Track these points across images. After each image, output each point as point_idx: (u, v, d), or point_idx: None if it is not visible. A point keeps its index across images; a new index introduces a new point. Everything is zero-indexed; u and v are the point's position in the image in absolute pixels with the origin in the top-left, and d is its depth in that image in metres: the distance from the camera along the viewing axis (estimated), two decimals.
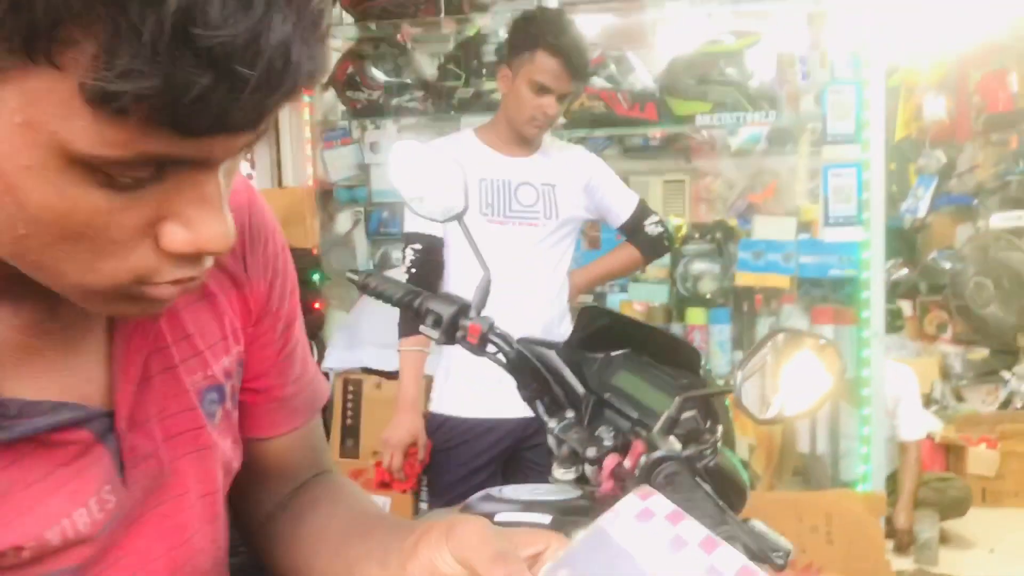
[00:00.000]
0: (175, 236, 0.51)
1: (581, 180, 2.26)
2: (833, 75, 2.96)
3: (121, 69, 0.42)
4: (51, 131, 0.45)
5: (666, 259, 3.15)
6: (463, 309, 1.29)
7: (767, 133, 3.76)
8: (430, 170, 1.35)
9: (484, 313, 1.30)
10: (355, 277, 1.42)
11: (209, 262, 0.56)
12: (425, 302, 1.31)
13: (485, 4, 3.13)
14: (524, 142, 2.22)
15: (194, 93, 0.44)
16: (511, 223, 2.17)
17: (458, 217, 1.34)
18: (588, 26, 3.57)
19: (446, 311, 1.28)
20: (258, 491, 0.85)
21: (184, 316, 0.70)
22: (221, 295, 0.73)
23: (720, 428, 1.11)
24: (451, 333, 1.29)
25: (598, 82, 3.04)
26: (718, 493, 0.98)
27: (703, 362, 1.21)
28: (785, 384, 1.01)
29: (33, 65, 0.43)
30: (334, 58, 3.37)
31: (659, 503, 0.55)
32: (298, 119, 3.33)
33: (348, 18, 3.31)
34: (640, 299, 3.34)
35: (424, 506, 2.22)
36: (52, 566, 0.61)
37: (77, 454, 0.62)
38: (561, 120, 3.11)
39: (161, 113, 0.44)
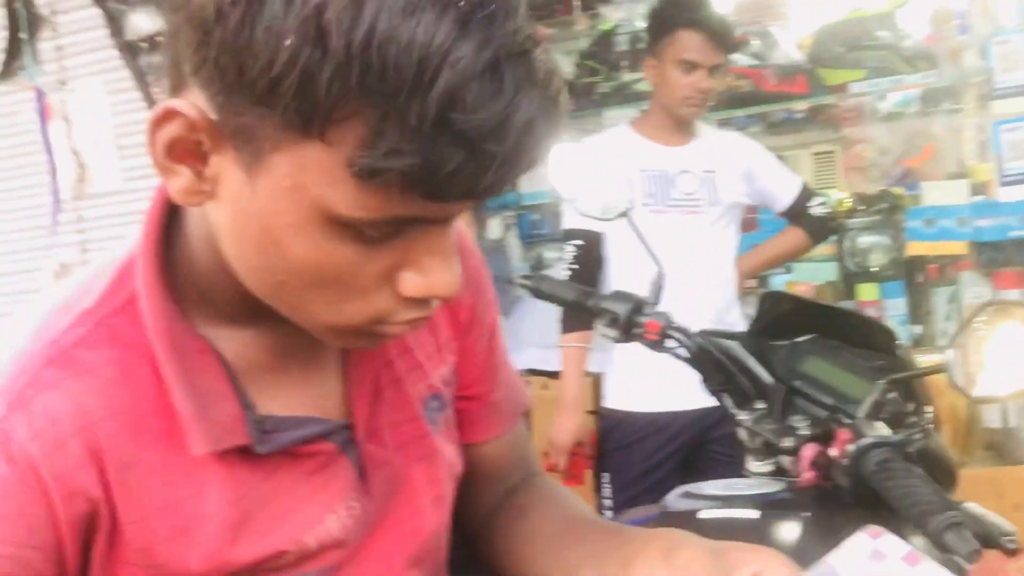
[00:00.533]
0: (412, 283, 0.57)
1: (740, 166, 2.21)
2: (997, 24, 2.78)
3: (387, 148, 0.48)
4: (316, 195, 0.51)
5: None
6: (638, 306, 1.27)
7: (920, 94, 3.56)
8: (591, 168, 1.35)
9: (659, 309, 1.28)
10: (526, 283, 1.43)
11: (437, 303, 0.61)
12: (599, 302, 1.30)
13: None
14: (680, 129, 2.19)
15: (449, 169, 0.49)
16: (673, 212, 2.14)
17: (624, 215, 1.33)
18: (723, 4, 3.50)
19: (622, 309, 1.27)
20: (474, 494, 0.88)
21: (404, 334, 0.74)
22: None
23: (930, 409, 1.06)
24: (629, 331, 1.28)
25: (743, 60, 2.97)
26: (929, 476, 0.93)
27: (898, 341, 1.15)
28: (994, 359, 0.95)
29: (306, 139, 0.49)
30: None
31: (892, 543, 0.52)
32: None
33: None
34: (805, 279, 3.22)
35: (607, 502, 2.21)
36: (309, 567, 0.67)
37: (323, 464, 0.68)
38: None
39: (417, 184, 0.50)
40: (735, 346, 1.29)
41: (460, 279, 0.58)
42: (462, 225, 0.81)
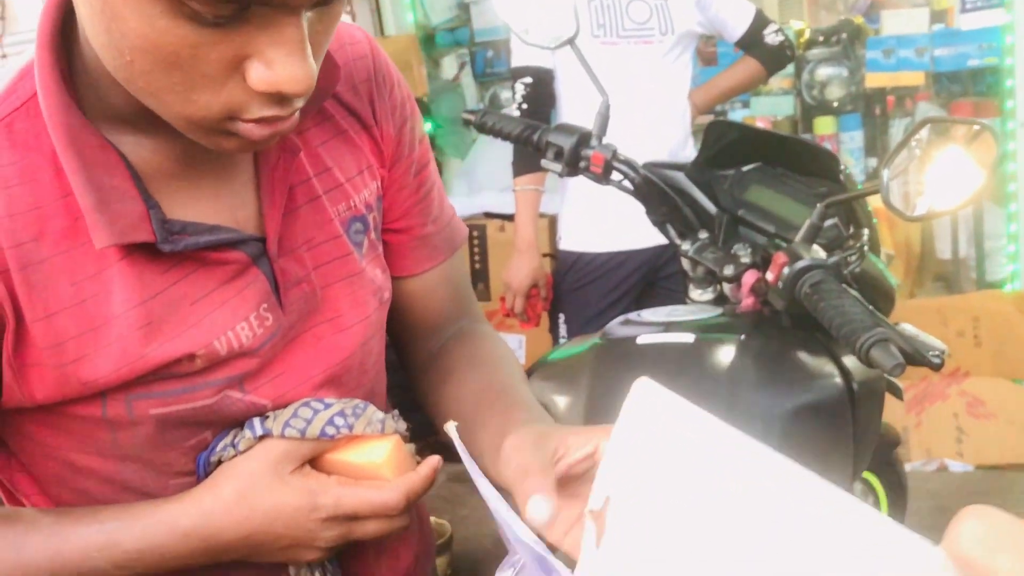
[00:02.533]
0: (257, 74, 0.53)
1: None
2: None
3: None
4: None
5: (789, 68, 2.99)
6: (584, 138, 1.25)
7: None
8: None
9: (605, 141, 1.26)
10: (470, 117, 1.40)
11: (298, 104, 0.57)
12: (544, 135, 1.28)
13: None
14: None
15: None
16: (625, 43, 2.08)
17: (570, 42, 1.28)
18: None
19: (567, 142, 1.25)
20: (411, 336, 0.88)
21: (321, 152, 0.74)
22: (353, 135, 0.76)
23: (866, 232, 1.07)
24: (574, 164, 1.26)
25: None
26: (866, 299, 0.95)
27: (841, 167, 1.15)
28: (933, 179, 0.95)
29: None
30: None
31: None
32: None
33: None
34: (764, 114, 3.19)
35: (563, 342, 2.25)
36: (219, 375, 0.67)
37: (235, 274, 0.67)
38: None
39: None
40: (680, 177, 1.28)
41: (311, 77, 0.54)
42: (386, 55, 0.80)
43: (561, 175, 1.29)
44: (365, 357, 0.78)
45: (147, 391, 0.65)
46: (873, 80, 2.98)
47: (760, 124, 3.17)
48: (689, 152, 2.15)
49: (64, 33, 0.62)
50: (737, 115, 3.15)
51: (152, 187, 0.65)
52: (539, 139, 1.29)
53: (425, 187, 0.84)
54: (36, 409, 0.65)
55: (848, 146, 3.05)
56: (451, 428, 0.68)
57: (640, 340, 1.07)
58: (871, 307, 0.91)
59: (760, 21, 2.21)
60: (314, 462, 0.70)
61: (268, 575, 0.74)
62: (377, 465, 0.70)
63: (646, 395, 0.47)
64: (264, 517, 0.67)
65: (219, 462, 0.70)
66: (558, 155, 1.27)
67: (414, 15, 3.29)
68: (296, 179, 0.71)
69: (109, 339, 0.63)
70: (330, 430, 0.68)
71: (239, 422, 0.70)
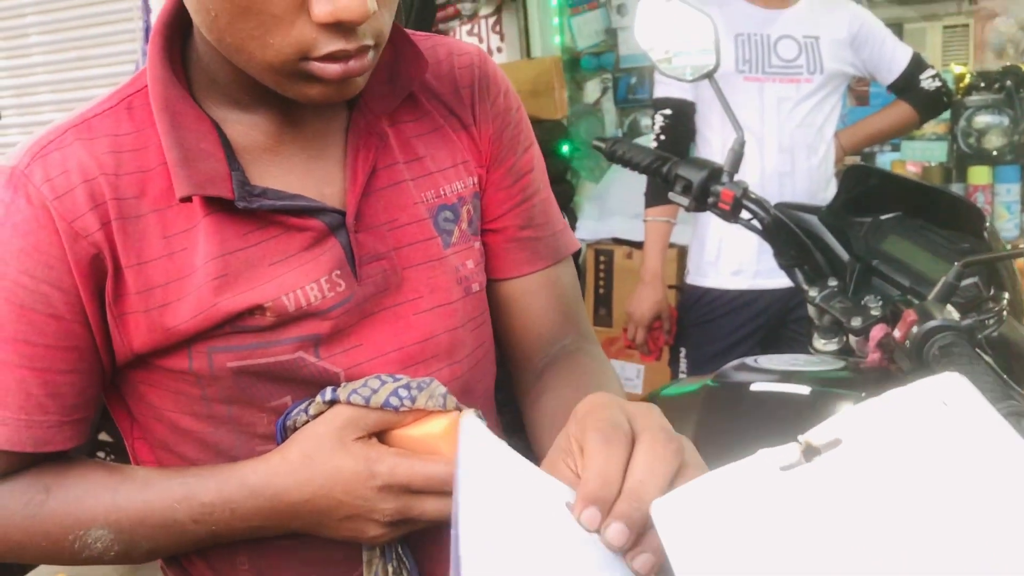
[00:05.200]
0: (318, 7, 0.60)
1: (847, 32, 2.07)
2: None
3: None
4: None
5: (945, 113, 2.85)
6: (715, 174, 1.23)
7: None
8: (678, 27, 1.28)
9: (742, 178, 1.23)
10: (602, 144, 1.39)
11: (365, 40, 0.63)
12: (674, 168, 1.26)
13: None
14: None
15: None
16: (770, 80, 2.03)
17: (709, 75, 1.26)
18: None
19: (696, 176, 1.23)
20: (516, 350, 0.89)
21: (415, 142, 0.80)
22: (451, 132, 0.82)
23: (1006, 296, 1.00)
24: (703, 200, 1.24)
25: None
26: (1003, 367, 0.89)
27: (986, 223, 1.09)
28: None
29: None
30: None
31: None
32: None
33: None
34: (914, 159, 3.05)
35: (683, 376, 2.21)
36: (291, 333, 0.72)
37: (312, 241, 0.73)
38: None
39: None
40: (813, 220, 1.24)
41: (365, 5, 0.60)
42: (497, 68, 0.85)
43: (688, 209, 1.27)
44: (453, 346, 0.80)
45: (225, 343, 0.71)
46: None
47: (911, 169, 3.04)
48: (830, 194, 2.08)
49: (178, 30, 0.73)
50: (886, 158, 3.03)
51: (244, 158, 0.72)
52: (668, 171, 1.27)
53: (525, 193, 0.87)
54: (138, 364, 0.73)
55: (1004, 199, 2.88)
56: (470, 415, 0.68)
57: (754, 387, 1.04)
58: (1005, 376, 0.85)
59: (917, 65, 2.12)
60: (381, 436, 0.73)
61: (343, 571, 0.77)
62: (435, 437, 0.71)
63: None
64: (324, 480, 0.70)
65: (294, 428, 0.74)
66: (687, 189, 1.25)
67: (561, 38, 3.31)
68: (383, 162, 0.77)
69: (189, 288, 0.70)
70: (394, 401, 0.71)
71: (315, 387, 0.74)
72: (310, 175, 0.75)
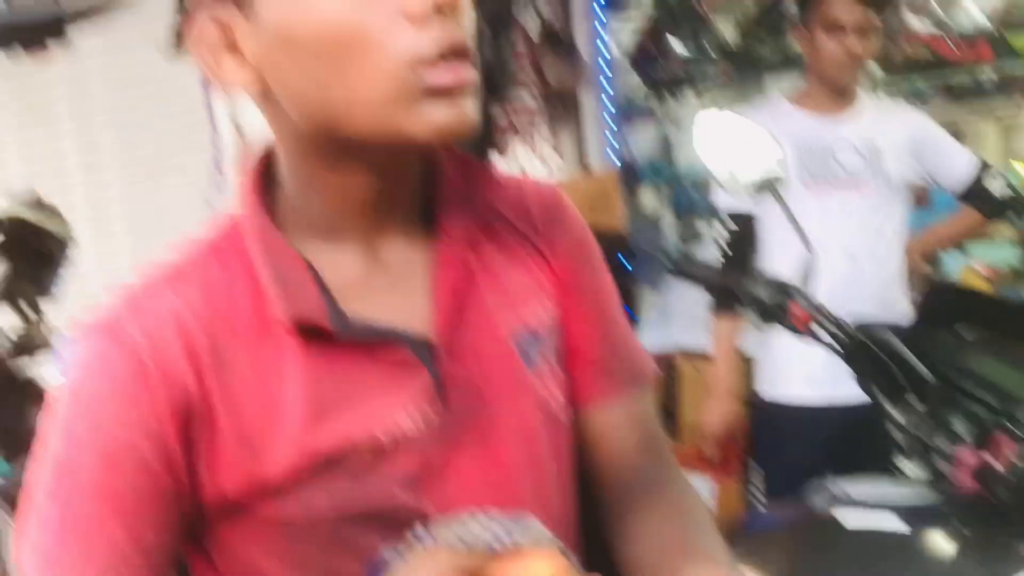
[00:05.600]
0: (410, 3, 0.62)
1: (907, 139, 2.05)
2: None
3: None
4: None
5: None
6: (786, 291, 1.20)
7: None
8: (738, 140, 1.27)
9: (812, 292, 1.20)
10: (667, 261, 1.38)
11: (466, 24, 0.65)
12: (744, 285, 1.24)
13: None
14: (838, 100, 2.05)
15: None
16: (833, 189, 2.01)
17: (772, 189, 1.25)
18: None
19: (767, 294, 1.20)
20: (603, 488, 0.86)
21: (497, 271, 0.80)
22: (528, 258, 0.83)
23: None
24: (774, 318, 1.21)
25: (921, 26, 2.76)
26: None
27: None
28: None
29: None
30: (632, 35, 3.34)
31: None
32: (599, 100, 3.33)
33: None
34: (983, 262, 2.98)
35: (758, 495, 2.12)
36: (384, 471, 0.71)
37: (401, 368, 0.73)
38: (881, 73, 2.87)
39: None
40: (893, 339, 1.19)
41: None
42: (570, 203, 0.87)
43: (760, 328, 1.24)
44: (539, 477, 0.79)
45: (320, 485, 0.70)
46: None
47: (978, 269, 2.96)
48: (903, 307, 2.02)
49: (266, 174, 0.76)
50: (953, 262, 2.96)
51: (334, 291, 0.73)
52: (739, 288, 1.25)
53: (603, 322, 0.87)
54: (228, 513, 0.71)
55: None
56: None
57: (848, 525, 0.98)
58: None
59: (983, 171, 2.09)
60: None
61: None
62: None
63: None
64: None
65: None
66: (757, 306, 1.22)
67: (618, 150, 3.35)
68: (467, 291, 0.77)
69: (283, 428, 0.70)
70: (492, 540, 0.68)
71: (407, 529, 0.70)
72: (397, 306, 0.75)
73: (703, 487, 2.77)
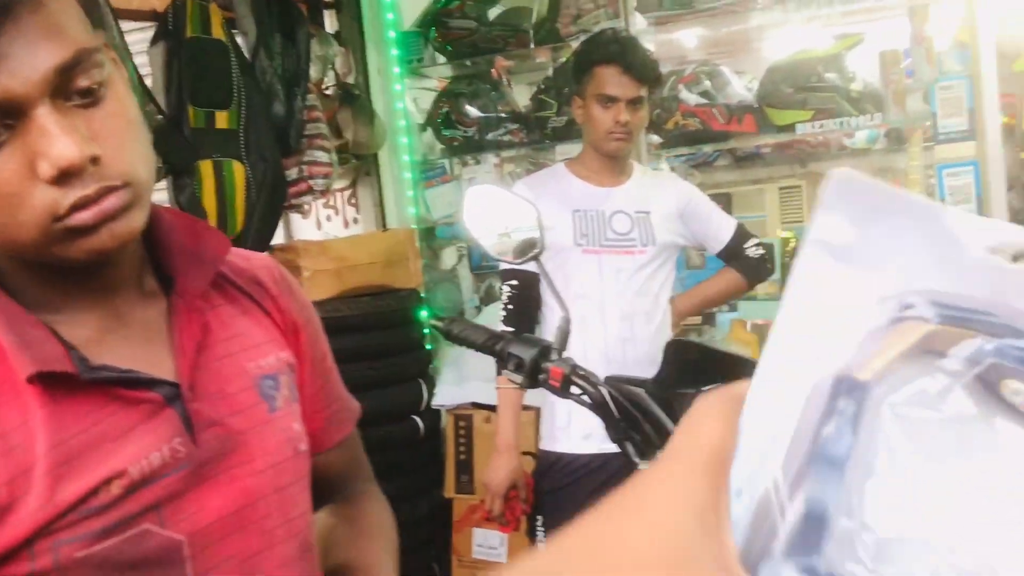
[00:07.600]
0: (41, 166, 0.65)
1: (675, 207, 2.22)
2: (941, 70, 2.81)
3: None
4: None
5: (778, 273, 3.04)
6: (544, 352, 1.27)
7: (885, 131, 3.59)
8: (503, 213, 1.34)
9: (586, 345, 1.28)
10: (439, 324, 1.42)
11: (107, 181, 0.68)
12: (506, 346, 1.30)
13: (579, 31, 3.10)
14: (613, 169, 2.20)
15: None
16: (607, 252, 2.14)
17: (534, 258, 1.32)
18: (684, 39, 3.52)
19: (527, 354, 1.27)
20: (323, 497, 1.00)
21: (229, 322, 0.87)
22: (261, 316, 0.90)
23: None
24: (534, 377, 1.27)
25: (692, 99, 2.99)
26: None
27: None
28: None
29: None
30: (430, 98, 3.43)
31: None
32: (398, 161, 3.39)
33: (441, 58, 3.36)
34: (754, 317, 3.22)
35: (543, 547, 2.18)
36: (135, 503, 0.73)
37: (150, 413, 0.75)
38: (656, 139, 3.07)
39: None
40: (641, 394, 1.28)
41: (74, 146, 0.65)
42: (291, 277, 0.96)
43: (522, 387, 1.29)
44: (286, 505, 0.85)
45: (71, 534, 0.70)
46: None
47: (752, 324, 3.20)
48: None
49: None
50: (725, 318, 3.19)
51: (75, 344, 0.74)
52: (501, 350, 1.31)
53: (324, 376, 0.99)
54: None
55: None
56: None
57: None
58: None
59: (741, 236, 2.28)
60: None
61: None
62: None
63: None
64: None
65: None
66: (519, 367, 1.28)
67: (416, 210, 3.40)
68: (206, 341, 0.82)
69: (33, 481, 0.69)
70: None
71: (160, 565, 0.74)
72: (141, 355, 0.78)
73: (494, 539, 2.82)
